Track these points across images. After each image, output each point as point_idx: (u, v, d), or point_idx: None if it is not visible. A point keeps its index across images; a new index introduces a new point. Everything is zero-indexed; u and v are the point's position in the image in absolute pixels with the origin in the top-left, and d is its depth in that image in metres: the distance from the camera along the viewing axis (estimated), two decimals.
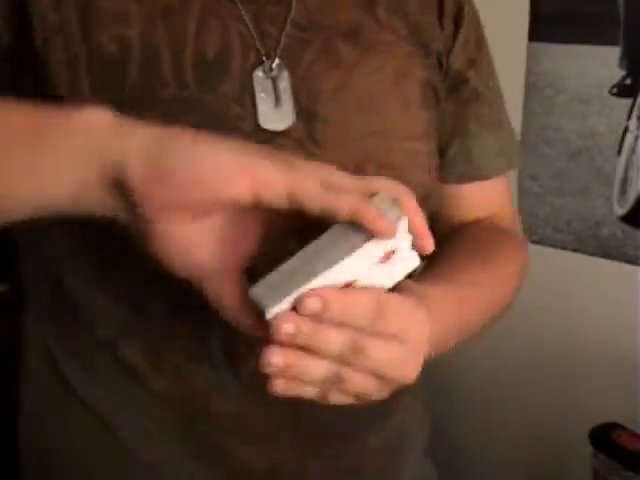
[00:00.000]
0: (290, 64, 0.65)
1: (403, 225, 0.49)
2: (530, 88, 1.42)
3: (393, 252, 0.49)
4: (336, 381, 0.49)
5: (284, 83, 0.63)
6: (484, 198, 0.82)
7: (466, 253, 0.72)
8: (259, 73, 0.63)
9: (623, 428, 1.19)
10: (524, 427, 1.49)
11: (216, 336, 0.65)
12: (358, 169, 0.65)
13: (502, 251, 0.75)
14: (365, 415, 0.73)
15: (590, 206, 1.38)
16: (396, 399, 0.76)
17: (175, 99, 0.60)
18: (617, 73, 1.31)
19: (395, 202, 0.49)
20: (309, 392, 0.49)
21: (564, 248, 1.42)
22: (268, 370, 0.47)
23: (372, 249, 0.48)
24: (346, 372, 0.48)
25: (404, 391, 0.79)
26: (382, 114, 0.68)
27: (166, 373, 0.67)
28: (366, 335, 0.48)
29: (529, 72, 1.42)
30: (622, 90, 1.31)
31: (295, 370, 0.47)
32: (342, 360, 0.48)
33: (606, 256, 1.36)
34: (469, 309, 0.64)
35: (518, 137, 1.44)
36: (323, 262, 0.48)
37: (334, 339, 0.47)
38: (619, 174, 1.33)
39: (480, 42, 0.78)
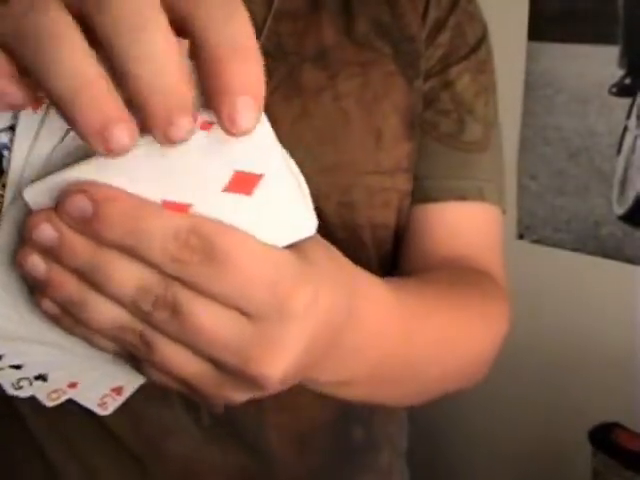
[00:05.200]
0: None
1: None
2: (529, 87, 1.42)
3: (258, 177, 0.30)
4: (141, 343, 0.33)
5: None
6: (448, 231, 0.66)
7: (435, 283, 0.57)
8: None
9: (623, 428, 1.19)
10: (524, 426, 1.49)
11: None
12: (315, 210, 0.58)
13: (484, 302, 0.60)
14: (338, 467, 0.68)
15: (589, 206, 1.38)
16: (373, 454, 0.70)
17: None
18: (616, 73, 1.31)
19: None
20: (103, 344, 0.34)
21: (563, 248, 1.42)
22: (23, 274, 0.32)
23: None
24: (152, 336, 0.32)
25: (383, 445, 0.71)
26: (344, 145, 0.61)
27: (120, 410, 0.63)
28: (182, 286, 0.31)
29: (528, 71, 1.42)
30: (621, 90, 1.31)
31: (64, 295, 0.32)
32: (139, 312, 0.31)
33: (605, 256, 1.36)
34: (428, 334, 0.48)
35: (516, 137, 1.44)
36: None
37: (121, 274, 0.31)
38: (618, 174, 1.33)
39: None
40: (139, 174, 0.29)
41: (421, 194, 0.66)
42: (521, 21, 1.40)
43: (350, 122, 0.62)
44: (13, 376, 0.36)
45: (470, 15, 0.69)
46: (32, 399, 0.65)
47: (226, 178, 0.30)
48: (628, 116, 1.31)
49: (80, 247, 0.30)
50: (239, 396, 0.35)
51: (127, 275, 0.31)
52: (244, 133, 0.28)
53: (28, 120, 0.30)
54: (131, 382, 0.38)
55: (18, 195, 0.31)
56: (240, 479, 0.65)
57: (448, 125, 0.67)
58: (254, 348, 0.32)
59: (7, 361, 0.36)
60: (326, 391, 0.42)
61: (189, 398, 0.61)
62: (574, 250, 1.40)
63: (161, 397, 0.62)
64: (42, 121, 0.30)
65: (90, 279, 0.31)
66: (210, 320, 0.31)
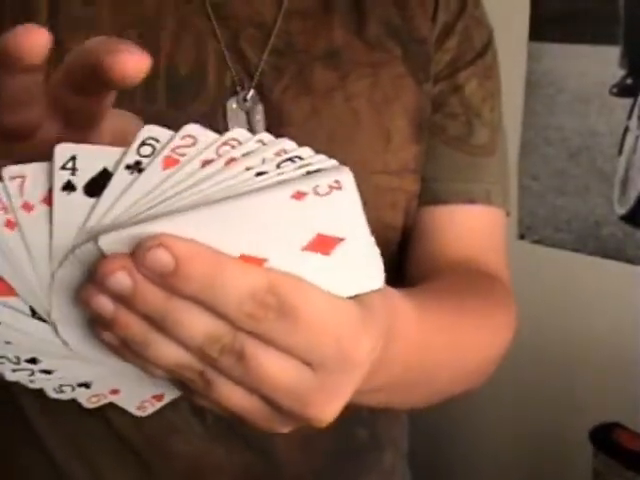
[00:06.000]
0: (264, 93, 0.61)
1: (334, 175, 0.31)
2: (531, 88, 1.42)
3: (338, 241, 0.31)
4: (199, 380, 0.33)
5: (258, 116, 0.61)
6: (456, 233, 0.67)
7: (448, 292, 0.58)
8: (233, 104, 0.60)
9: (624, 428, 1.19)
10: (525, 427, 1.49)
11: None
12: None
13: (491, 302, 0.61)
14: (342, 467, 0.69)
15: (590, 206, 1.38)
16: (377, 455, 0.70)
17: (143, 113, 0.57)
18: (617, 73, 1.31)
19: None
20: (159, 374, 0.34)
21: (564, 248, 1.42)
22: (88, 310, 0.32)
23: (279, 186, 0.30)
24: (212, 375, 0.33)
25: (386, 446, 0.71)
26: (353, 145, 0.62)
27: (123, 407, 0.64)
28: (250, 336, 0.32)
29: (529, 72, 1.42)
30: (622, 90, 1.31)
31: (129, 335, 0.32)
32: (204, 357, 0.32)
33: (606, 256, 1.36)
34: (440, 342, 0.49)
35: (517, 137, 1.44)
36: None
37: (191, 324, 0.31)
38: (620, 174, 1.33)
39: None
40: (220, 228, 0.30)
41: (429, 196, 0.67)
42: (522, 21, 1.40)
43: (360, 122, 0.62)
44: (56, 382, 0.37)
45: (477, 20, 0.70)
46: (36, 400, 0.65)
47: (307, 239, 0.31)
48: (629, 116, 1.31)
49: (153, 296, 0.31)
50: (286, 429, 0.36)
51: (197, 324, 0.31)
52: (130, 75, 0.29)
53: (122, 177, 0.31)
54: (172, 391, 0.38)
55: (89, 240, 0.31)
56: (244, 478, 0.65)
57: (457, 128, 0.67)
58: (314, 394, 0.33)
59: (57, 375, 0.37)
60: None
61: None
62: (575, 250, 1.40)
63: None
64: (133, 180, 0.31)
65: (158, 324, 0.31)
66: (275, 368, 0.32)
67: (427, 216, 0.67)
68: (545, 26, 1.39)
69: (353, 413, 0.67)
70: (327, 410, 0.34)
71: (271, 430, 0.36)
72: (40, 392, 0.68)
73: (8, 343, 0.35)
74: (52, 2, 0.59)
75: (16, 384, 0.66)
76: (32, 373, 0.36)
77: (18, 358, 0.36)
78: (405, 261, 0.67)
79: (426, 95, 0.66)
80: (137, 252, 0.30)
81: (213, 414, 0.62)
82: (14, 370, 0.36)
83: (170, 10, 0.60)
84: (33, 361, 0.36)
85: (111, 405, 0.63)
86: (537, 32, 1.40)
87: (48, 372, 0.36)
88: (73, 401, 0.65)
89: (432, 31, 0.67)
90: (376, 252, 0.33)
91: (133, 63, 0.29)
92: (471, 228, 0.67)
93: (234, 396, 0.34)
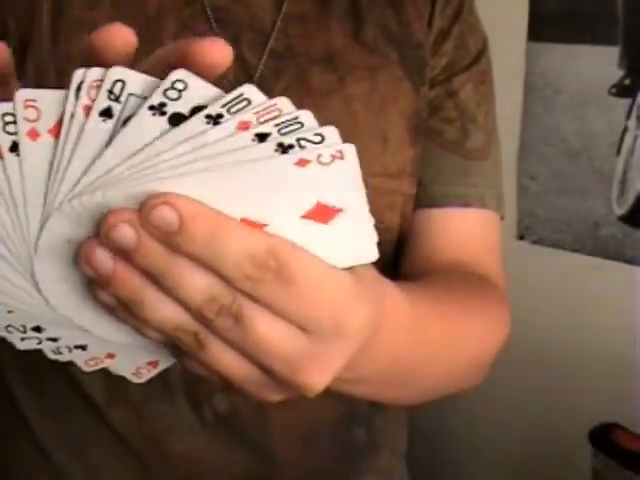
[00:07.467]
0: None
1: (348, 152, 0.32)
2: (529, 88, 1.42)
3: (337, 211, 0.32)
4: (193, 341, 0.33)
5: None
6: (451, 236, 0.67)
7: (441, 289, 0.59)
8: None
9: (623, 428, 1.19)
10: (524, 427, 1.49)
11: (176, 371, 0.60)
12: None
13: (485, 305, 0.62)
14: (340, 467, 0.69)
15: (589, 206, 1.38)
16: (373, 455, 0.71)
17: None
18: (616, 73, 1.31)
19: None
20: (152, 335, 0.34)
21: (563, 248, 1.42)
22: (86, 269, 0.32)
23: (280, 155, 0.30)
24: (206, 337, 0.33)
25: (383, 445, 0.72)
26: None
27: (125, 408, 0.63)
28: (248, 298, 0.32)
29: (528, 72, 1.42)
30: (621, 90, 1.31)
31: (127, 292, 0.32)
32: (201, 317, 0.32)
33: (605, 256, 1.36)
34: (433, 339, 0.49)
35: (516, 137, 1.44)
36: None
37: (191, 282, 0.31)
38: (618, 174, 1.33)
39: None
40: (224, 190, 0.31)
41: (425, 199, 0.68)
42: (521, 21, 1.40)
43: (358, 125, 0.63)
44: (53, 344, 0.38)
45: (471, 26, 0.70)
46: (35, 399, 0.65)
47: (307, 207, 0.32)
48: (628, 116, 1.31)
49: (155, 252, 0.31)
50: (276, 397, 0.37)
51: (197, 283, 0.32)
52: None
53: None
54: (167, 359, 0.39)
55: (94, 191, 0.31)
56: (244, 479, 0.65)
57: (452, 133, 0.68)
58: (305, 360, 0.34)
59: (62, 342, 0.37)
60: (332, 386, 0.44)
61: (193, 397, 0.62)
62: (574, 251, 1.40)
63: (166, 396, 0.62)
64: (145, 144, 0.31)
65: (158, 282, 0.32)
66: (270, 332, 0.33)
67: (423, 219, 0.68)
68: (544, 26, 1.39)
69: (351, 411, 0.67)
70: (316, 378, 0.34)
71: (261, 398, 0.36)
72: (39, 392, 0.68)
73: (11, 312, 0.35)
74: (55, 4, 0.59)
75: (14, 384, 0.66)
76: (40, 342, 0.37)
77: (24, 327, 0.36)
78: (400, 262, 0.68)
79: (423, 98, 0.66)
80: (142, 209, 0.30)
81: (212, 413, 0.62)
82: (22, 339, 0.37)
83: (171, 13, 0.61)
84: (38, 329, 0.36)
85: (111, 405, 0.63)
86: (536, 32, 1.40)
87: (55, 340, 0.37)
88: (72, 401, 0.65)
89: (428, 36, 0.67)
90: (372, 225, 0.34)
91: (219, 48, 0.31)
92: (466, 231, 0.68)
93: (226, 359, 0.34)
